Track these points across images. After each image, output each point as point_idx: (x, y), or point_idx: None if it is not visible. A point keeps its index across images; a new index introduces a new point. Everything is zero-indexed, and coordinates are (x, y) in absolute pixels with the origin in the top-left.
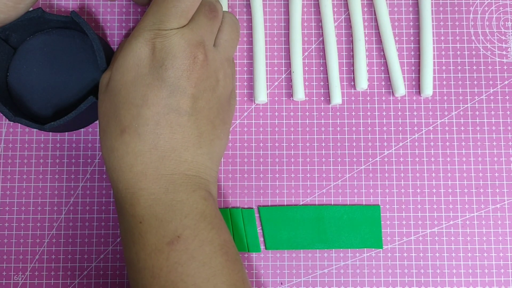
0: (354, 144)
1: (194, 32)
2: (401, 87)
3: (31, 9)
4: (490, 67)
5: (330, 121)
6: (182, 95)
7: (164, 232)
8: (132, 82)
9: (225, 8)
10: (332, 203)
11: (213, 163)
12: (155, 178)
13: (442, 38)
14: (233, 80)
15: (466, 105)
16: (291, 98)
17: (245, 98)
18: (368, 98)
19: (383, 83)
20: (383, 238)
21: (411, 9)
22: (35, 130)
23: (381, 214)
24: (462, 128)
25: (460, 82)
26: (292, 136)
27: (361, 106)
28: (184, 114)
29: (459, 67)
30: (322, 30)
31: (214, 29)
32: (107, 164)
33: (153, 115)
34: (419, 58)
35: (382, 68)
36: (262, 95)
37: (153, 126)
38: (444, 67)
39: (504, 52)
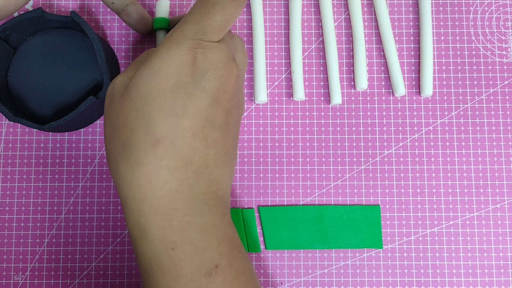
0: (354, 144)
1: (228, 48)
2: (401, 87)
3: (31, 9)
4: (490, 67)
5: (330, 121)
6: (219, 108)
7: (201, 261)
8: (172, 90)
9: None
10: (332, 203)
11: (231, 184)
12: (189, 197)
13: (442, 38)
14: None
15: (466, 105)
16: (291, 98)
17: (245, 98)
18: (368, 98)
19: (383, 83)
20: (383, 238)
21: (411, 9)
22: (35, 130)
23: (381, 214)
24: (462, 128)
25: (460, 82)
26: (292, 136)
27: (361, 106)
28: (218, 128)
29: (459, 67)
30: (322, 30)
31: (233, 48)
32: (125, 182)
33: (191, 126)
34: (419, 58)
35: (382, 68)
36: (262, 95)
37: (190, 139)
38: (444, 67)
39: (504, 52)
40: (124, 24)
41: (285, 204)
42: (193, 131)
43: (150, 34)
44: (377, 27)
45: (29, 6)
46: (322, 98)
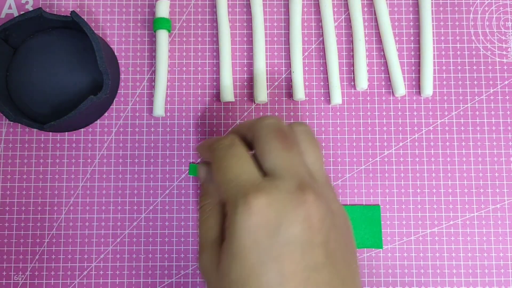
0: (354, 144)
1: (290, 175)
2: (401, 87)
3: (31, 9)
4: (490, 67)
5: (330, 121)
6: (314, 248)
7: None
8: (256, 264)
9: (225, 8)
10: None
11: None
12: None
13: (442, 38)
14: (336, 197)
15: (466, 105)
16: (291, 98)
17: (245, 98)
18: (368, 98)
19: (383, 83)
20: (383, 238)
21: (411, 9)
22: (35, 130)
23: (381, 214)
24: (462, 128)
25: (460, 82)
26: None
27: (361, 106)
28: (322, 267)
29: (459, 67)
30: (322, 30)
31: (297, 162)
32: None
33: (296, 286)
34: (419, 58)
35: (382, 68)
36: (262, 95)
37: None
38: (444, 67)
39: (504, 52)
40: (124, 24)
41: None
42: None
43: (150, 34)
44: (377, 27)
45: (29, 6)
46: (322, 98)
